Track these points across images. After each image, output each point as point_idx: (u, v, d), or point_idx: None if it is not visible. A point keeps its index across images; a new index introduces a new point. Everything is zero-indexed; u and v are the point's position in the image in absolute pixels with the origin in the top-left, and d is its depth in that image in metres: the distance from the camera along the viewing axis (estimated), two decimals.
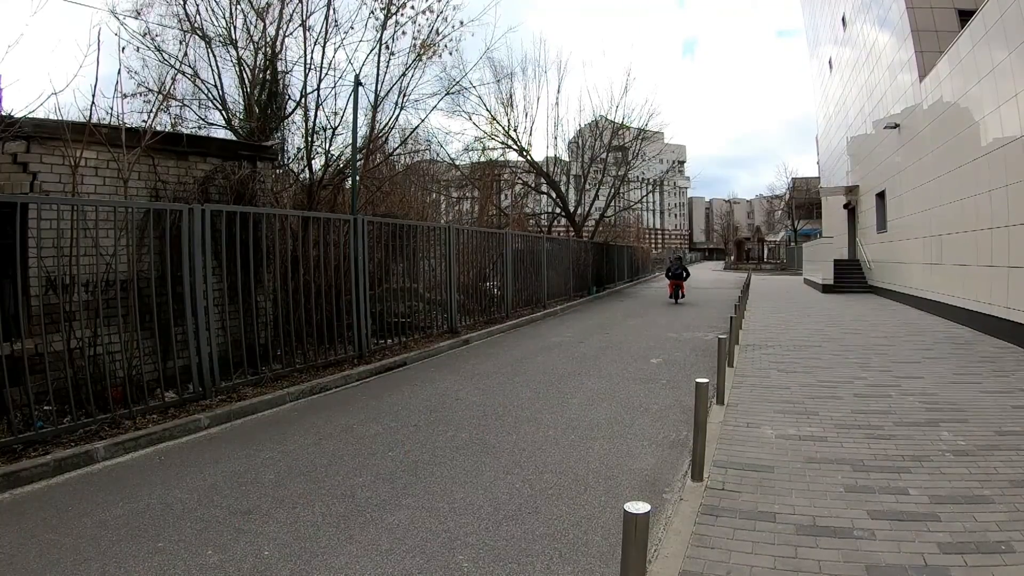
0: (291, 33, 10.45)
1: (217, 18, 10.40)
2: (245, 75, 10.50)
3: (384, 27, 10.73)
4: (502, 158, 22.27)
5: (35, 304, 4.70)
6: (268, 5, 10.35)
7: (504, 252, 12.43)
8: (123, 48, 7.07)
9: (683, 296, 17.00)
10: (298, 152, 10.74)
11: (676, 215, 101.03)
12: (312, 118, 10.10)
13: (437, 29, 11.31)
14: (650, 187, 39.55)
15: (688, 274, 17.54)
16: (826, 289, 18.27)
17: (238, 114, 10.80)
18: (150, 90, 9.64)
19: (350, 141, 9.55)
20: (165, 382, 5.38)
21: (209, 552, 2.90)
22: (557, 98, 37.09)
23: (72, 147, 5.07)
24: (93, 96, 5.55)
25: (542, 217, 25.42)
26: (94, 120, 5.51)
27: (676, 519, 3.06)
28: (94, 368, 4.82)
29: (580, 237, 22.06)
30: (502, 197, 23.76)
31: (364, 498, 3.54)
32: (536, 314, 13.19)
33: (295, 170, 10.86)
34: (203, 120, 10.86)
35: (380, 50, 10.85)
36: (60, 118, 5.14)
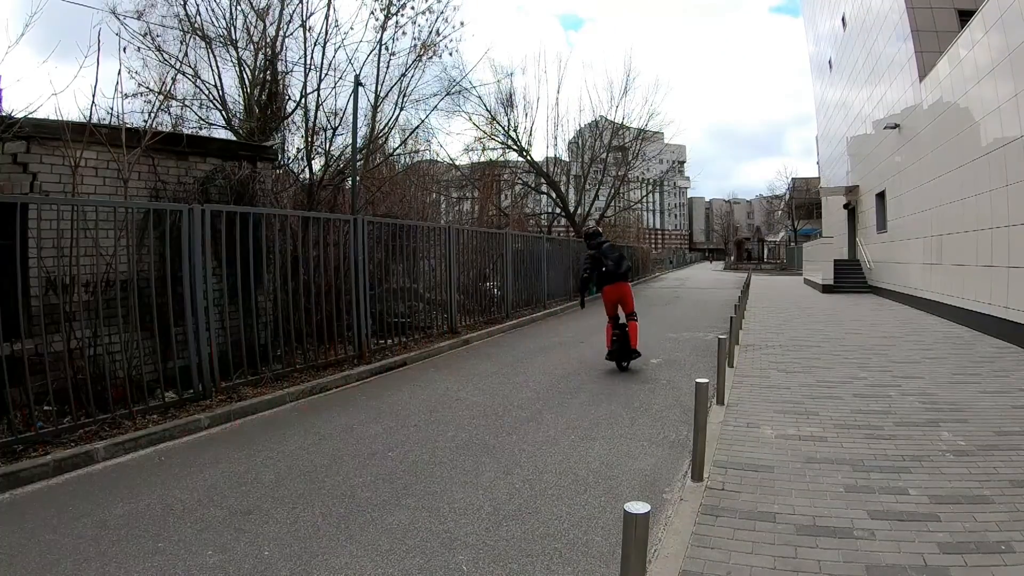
0: (291, 33, 10.48)
1: (217, 19, 10.43)
2: (245, 75, 10.51)
3: (384, 28, 10.76)
4: (502, 158, 22.32)
5: (35, 304, 4.70)
6: (268, 6, 10.37)
7: (504, 252, 12.42)
8: (124, 48, 7.11)
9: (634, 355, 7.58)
10: (298, 152, 10.76)
11: (676, 215, 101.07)
12: (312, 118, 10.12)
13: (437, 30, 11.35)
14: (650, 187, 39.58)
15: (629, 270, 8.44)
16: (826, 289, 18.27)
17: (238, 114, 10.82)
18: (151, 90, 9.66)
19: (350, 141, 9.57)
20: (165, 382, 5.37)
21: (209, 552, 2.90)
22: (557, 98, 37.22)
23: (72, 147, 5.06)
24: (93, 96, 5.56)
25: (542, 217, 25.46)
26: (94, 120, 5.52)
27: (676, 519, 3.06)
28: (94, 368, 4.82)
29: (580, 237, 22.05)
30: (502, 197, 23.78)
31: (364, 498, 3.54)
32: (536, 314, 13.19)
33: (295, 170, 10.87)
34: (203, 120, 10.89)
35: (380, 51, 10.89)
36: (60, 118, 5.14)
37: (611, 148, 24.04)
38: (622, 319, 7.33)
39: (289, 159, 10.82)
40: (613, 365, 7.28)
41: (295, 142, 11.27)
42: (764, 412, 4.94)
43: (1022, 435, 4.16)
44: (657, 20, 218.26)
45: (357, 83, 9.51)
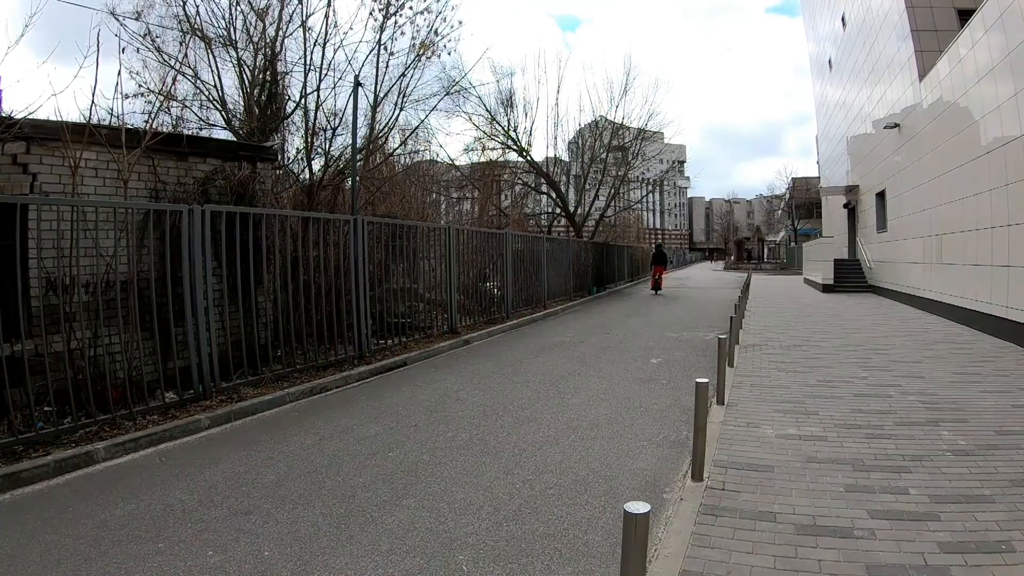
0: (291, 34, 10.50)
1: (217, 19, 10.43)
2: (245, 76, 10.52)
3: (383, 28, 10.77)
4: (502, 158, 22.29)
5: (35, 305, 4.70)
6: (268, 6, 10.38)
7: (504, 252, 12.42)
8: (123, 49, 7.11)
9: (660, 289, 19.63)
10: (298, 152, 10.79)
11: (676, 215, 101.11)
12: (312, 118, 10.13)
13: (436, 29, 11.36)
14: (650, 187, 39.58)
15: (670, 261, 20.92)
16: (826, 289, 18.27)
17: (238, 115, 10.82)
18: (151, 91, 9.66)
19: (350, 141, 9.57)
20: (165, 382, 5.38)
21: (209, 553, 2.90)
22: (557, 98, 37.20)
23: (72, 148, 5.06)
24: (93, 97, 5.57)
25: (542, 217, 25.44)
26: (94, 121, 5.51)
27: (676, 519, 3.06)
28: (94, 369, 4.82)
29: (580, 237, 22.04)
30: (502, 197, 23.77)
31: (364, 498, 3.54)
32: (536, 314, 13.19)
33: (295, 171, 10.88)
34: (203, 121, 10.89)
35: (379, 51, 10.90)
36: (60, 119, 5.14)
37: (611, 148, 24.00)
38: (658, 276, 19.42)
39: (289, 159, 10.84)
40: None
41: (295, 142, 11.30)
42: (764, 412, 4.93)
43: (1022, 435, 4.16)
44: (653, 21, 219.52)
45: (357, 83, 9.51)
